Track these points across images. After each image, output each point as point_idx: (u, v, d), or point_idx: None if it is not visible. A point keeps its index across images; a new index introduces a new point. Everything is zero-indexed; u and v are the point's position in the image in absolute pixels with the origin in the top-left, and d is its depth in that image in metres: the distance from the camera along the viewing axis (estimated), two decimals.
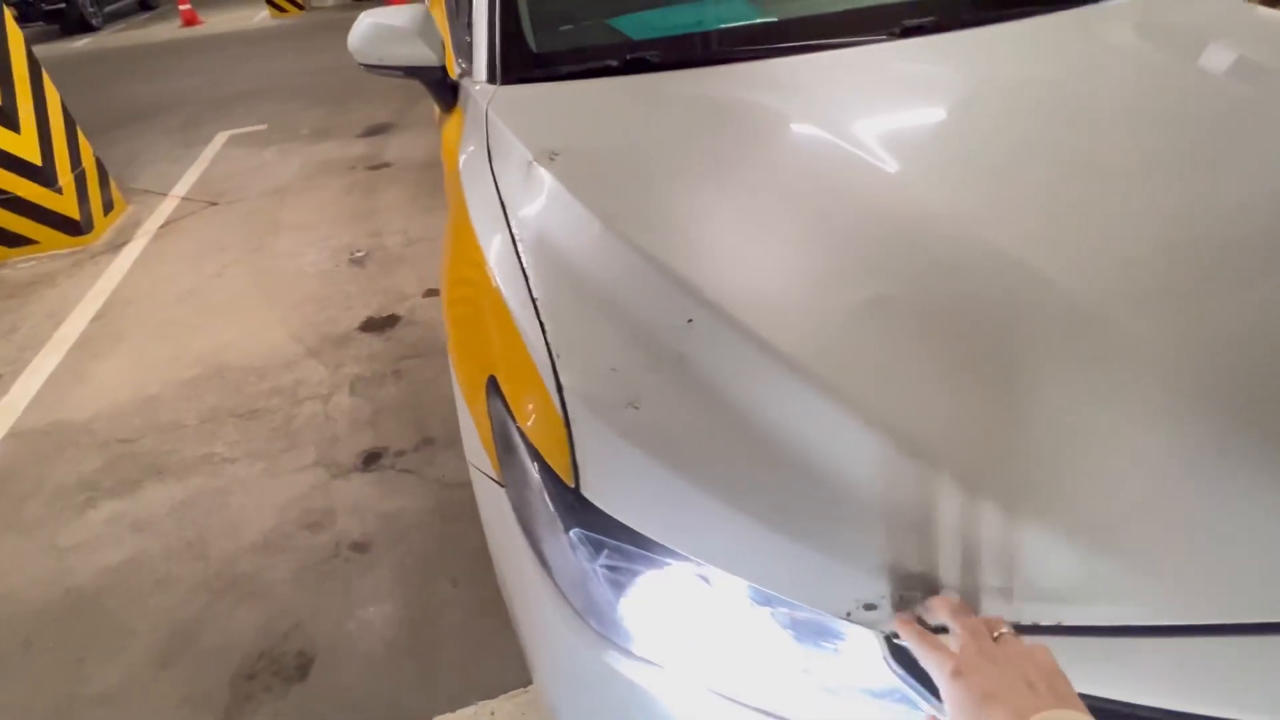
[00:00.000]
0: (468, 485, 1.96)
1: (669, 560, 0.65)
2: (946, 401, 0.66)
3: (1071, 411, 0.65)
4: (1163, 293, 0.71)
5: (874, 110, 1.11)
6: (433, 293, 2.79)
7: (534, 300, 0.83)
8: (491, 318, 0.90)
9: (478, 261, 0.98)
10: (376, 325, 2.63)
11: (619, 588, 0.67)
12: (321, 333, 2.60)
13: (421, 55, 1.45)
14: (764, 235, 0.88)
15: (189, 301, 2.90)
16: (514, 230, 0.95)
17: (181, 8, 9.75)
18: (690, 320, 0.76)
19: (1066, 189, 0.84)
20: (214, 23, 9.86)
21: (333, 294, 2.85)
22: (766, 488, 0.64)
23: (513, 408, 0.79)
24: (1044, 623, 0.57)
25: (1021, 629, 0.55)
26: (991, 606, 0.59)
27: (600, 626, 0.68)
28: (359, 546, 1.74)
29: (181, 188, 4.09)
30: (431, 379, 2.30)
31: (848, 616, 0.60)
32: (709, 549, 0.64)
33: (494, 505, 0.85)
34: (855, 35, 1.30)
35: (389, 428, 2.11)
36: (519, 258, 0.90)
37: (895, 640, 0.59)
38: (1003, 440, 0.64)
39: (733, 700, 0.64)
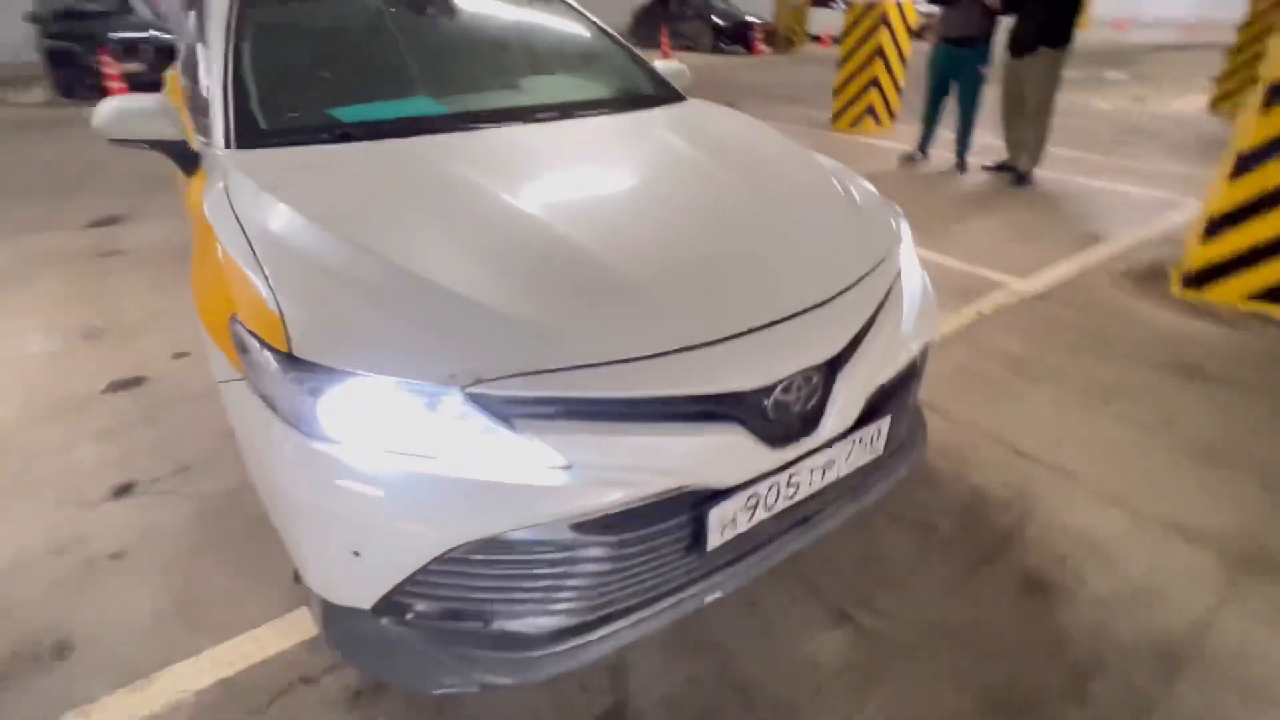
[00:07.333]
0: (231, 493, 2.26)
1: (346, 378, 1.14)
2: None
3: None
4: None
5: (499, 159, 1.82)
6: (182, 355, 2.93)
7: (261, 265, 1.30)
8: (233, 285, 1.33)
9: (220, 259, 1.41)
10: (122, 386, 2.72)
11: (316, 397, 1.14)
12: (55, 399, 2.62)
13: (167, 130, 1.87)
14: (412, 222, 1.50)
15: None
16: (247, 232, 1.41)
17: None
18: (356, 259, 1.32)
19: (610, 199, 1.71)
20: None
21: (66, 367, 2.86)
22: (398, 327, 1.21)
23: (246, 324, 1.24)
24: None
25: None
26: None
27: (304, 426, 1.15)
28: (116, 556, 1.89)
29: None
30: (187, 422, 2.47)
31: (451, 379, 1.13)
32: (367, 363, 1.15)
33: (240, 398, 1.26)
34: (494, 122, 2.05)
35: (141, 464, 2.25)
36: (250, 245, 1.36)
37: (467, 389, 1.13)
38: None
39: (393, 452, 1.14)
